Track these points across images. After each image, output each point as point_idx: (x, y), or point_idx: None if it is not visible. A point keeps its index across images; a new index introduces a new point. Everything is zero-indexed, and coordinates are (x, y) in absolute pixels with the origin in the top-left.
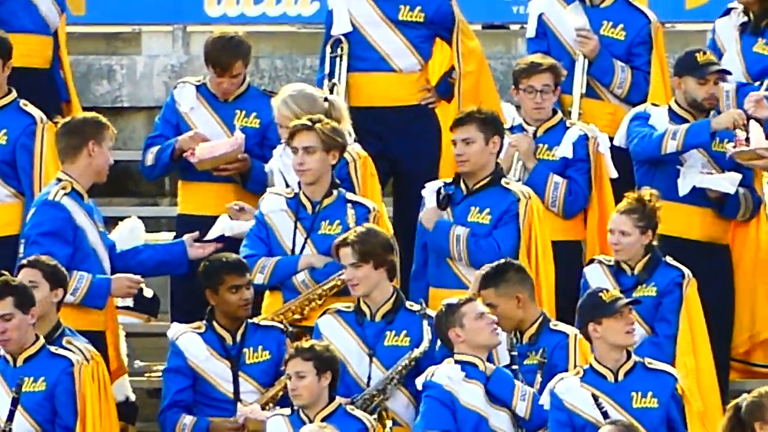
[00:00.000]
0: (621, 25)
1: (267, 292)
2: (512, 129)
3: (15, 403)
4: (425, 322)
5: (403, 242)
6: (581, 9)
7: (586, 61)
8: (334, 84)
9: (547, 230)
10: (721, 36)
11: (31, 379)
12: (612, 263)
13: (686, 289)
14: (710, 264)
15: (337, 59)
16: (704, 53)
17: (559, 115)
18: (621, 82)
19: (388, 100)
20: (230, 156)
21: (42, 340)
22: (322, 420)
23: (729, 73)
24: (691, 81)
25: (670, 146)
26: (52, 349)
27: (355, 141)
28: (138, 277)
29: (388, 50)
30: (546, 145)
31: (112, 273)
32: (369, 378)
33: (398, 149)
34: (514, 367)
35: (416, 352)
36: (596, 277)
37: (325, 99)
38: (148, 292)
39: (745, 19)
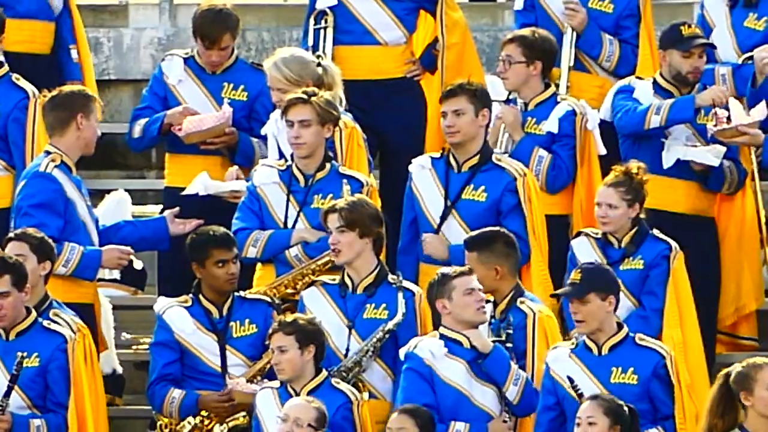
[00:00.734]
0: None
1: (258, 265)
2: (507, 102)
3: (14, 379)
4: (400, 295)
5: (390, 216)
6: None
7: (575, 33)
8: (320, 56)
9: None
10: (710, 11)
11: (25, 354)
12: (599, 236)
13: (673, 262)
14: (696, 237)
15: (322, 31)
16: (689, 26)
17: (552, 89)
18: (609, 55)
19: (373, 73)
20: (218, 129)
21: (34, 314)
22: (309, 393)
23: (714, 46)
24: (676, 54)
25: (654, 121)
26: (45, 323)
27: (345, 110)
28: (128, 248)
29: (373, 23)
30: (534, 119)
31: None
32: (347, 350)
33: (383, 123)
34: (509, 345)
35: (390, 325)
36: (583, 250)
37: (318, 64)
38: (137, 264)
39: None
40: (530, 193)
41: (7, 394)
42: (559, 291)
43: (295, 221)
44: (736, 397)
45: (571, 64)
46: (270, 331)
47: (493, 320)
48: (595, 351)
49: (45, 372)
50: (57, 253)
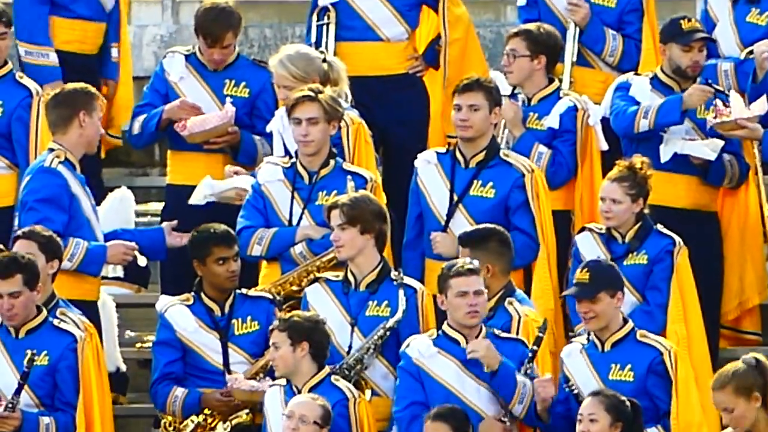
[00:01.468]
0: None
1: (264, 263)
2: (512, 97)
3: (25, 377)
4: (401, 292)
5: (394, 212)
6: None
7: (578, 29)
8: (323, 53)
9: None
10: (713, 6)
11: (34, 352)
12: (603, 231)
13: (677, 257)
14: (698, 231)
15: (324, 28)
16: (689, 20)
17: (555, 84)
18: (612, 50)
19: (375, 69)
20: (221, 129)
21: (45, 313)
22: (310, 390)
23: (713, 41)
24: (676, 48)
25: (643, 125)
26: (55, 322)
27: (351, 106)
28: (133, 244)
29: (375, 19)
30: (536, 114)
31: None
32: (350, 347)
33: (386, 119)
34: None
35: (390, 322)
36: (587, 245)
37: (324, 60)
38: (142, 261)
39: None
40: (538, 190)
41: (18, 392)
42: (568, 291)
43: (300, 218)
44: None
45: (574, 59)
46: (270, 327)
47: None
48: (599, 347)
49: (54, 371)
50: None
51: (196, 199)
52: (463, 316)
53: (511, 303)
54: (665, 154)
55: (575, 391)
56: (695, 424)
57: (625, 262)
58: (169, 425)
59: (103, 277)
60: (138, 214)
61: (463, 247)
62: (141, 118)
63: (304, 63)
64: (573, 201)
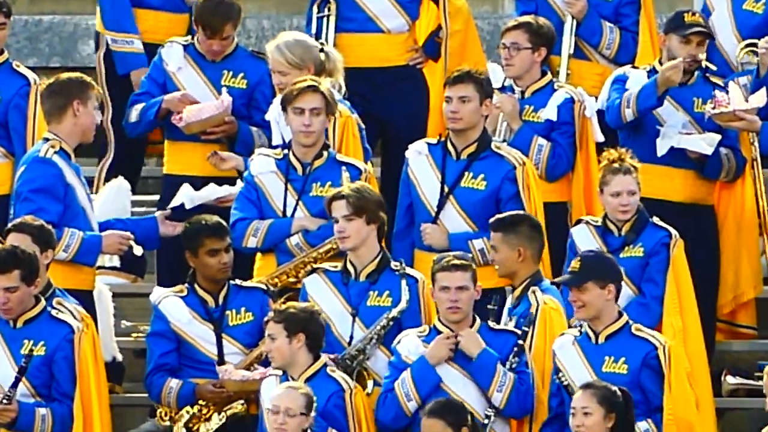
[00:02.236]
0: None
1: (258, 255)
2: (502, 89)
3: (23, 371)
4: (404, 282)
5: (390, 203)
6: None
7: (575, 21)
8: (322, 44)
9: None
10: None
11: (31, 342)
12: (599, 224)
13: (673, 250)
14: (695, 225)
15: (324, 19)
16: (693, 14)
17: (548, 77)
18: (609, 43)
19: (376, 61)
20: (217, 118)
21: (43, 303)
22: (305, 381)
23: (712, 37)
24: (675, 39)
25: (628, 114)
26: (53, 312)
27: (344, 98)
28: (128, 233)
29: (376, 11)
30: (532, 107)
31: None
32: (351, 338)
33: (386, 110)
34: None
35: (394, 312)
36: (583, 237)
37: (321, 50)
38: (137, 250)
39: None
40: (529, 182)
41: (15, 385)
42: (558, 279)
43: (294, 210)
44: None
45: (571, 51)
46: (265, 319)
47: (509, 309)
48: (593, 339)
49: (50, 361)
50: (57, 238)
51: (175, 204)
52: (443, 310)
53: (534, 292)
54: (662, 147)
55: (565, 383)
56: (688, 420)
57: (621, 255)
58: (165, 415)
59: (100, 267)
60: (134, 204)
61: (495, 231)
62: (139, 106)
63: (301, 50)
64: (569, 192)
